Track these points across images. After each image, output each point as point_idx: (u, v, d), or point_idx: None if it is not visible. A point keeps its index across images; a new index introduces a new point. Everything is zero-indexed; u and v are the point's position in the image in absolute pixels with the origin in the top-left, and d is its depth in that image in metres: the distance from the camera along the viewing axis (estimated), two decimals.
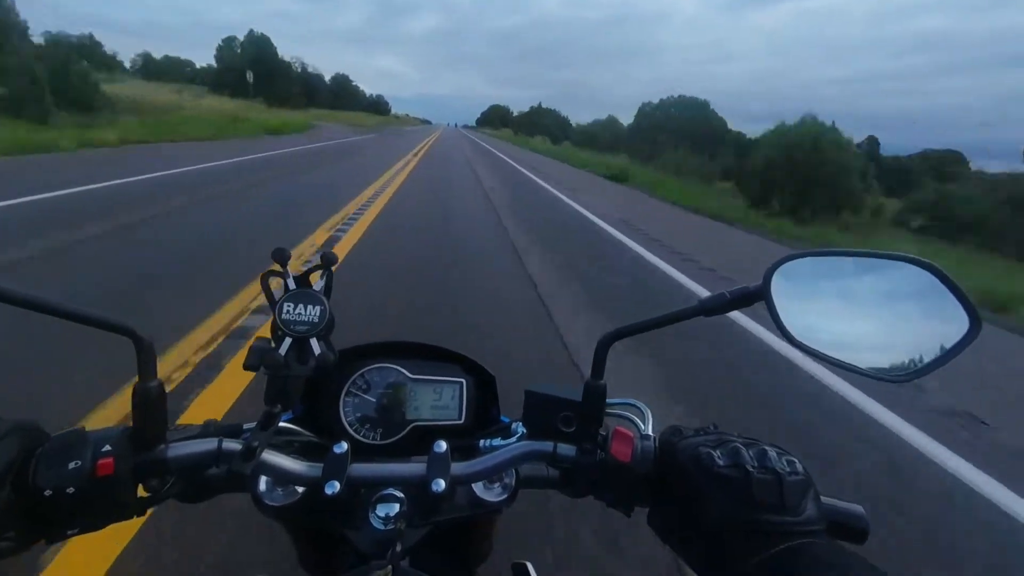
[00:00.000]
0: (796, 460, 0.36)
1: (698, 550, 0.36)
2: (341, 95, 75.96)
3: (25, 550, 0.33)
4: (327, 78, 76.58)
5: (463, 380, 0.53)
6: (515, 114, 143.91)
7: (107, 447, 0.34)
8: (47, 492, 0.32)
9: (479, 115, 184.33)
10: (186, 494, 0.41)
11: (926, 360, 0.37)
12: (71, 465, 0.33)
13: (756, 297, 0.39)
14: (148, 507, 0.38)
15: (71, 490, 0.32)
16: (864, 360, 0.38)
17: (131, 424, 0.37)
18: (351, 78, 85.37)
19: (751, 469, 0.35)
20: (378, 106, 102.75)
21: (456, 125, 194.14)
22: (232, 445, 0.38)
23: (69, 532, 0.34)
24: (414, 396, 0.52)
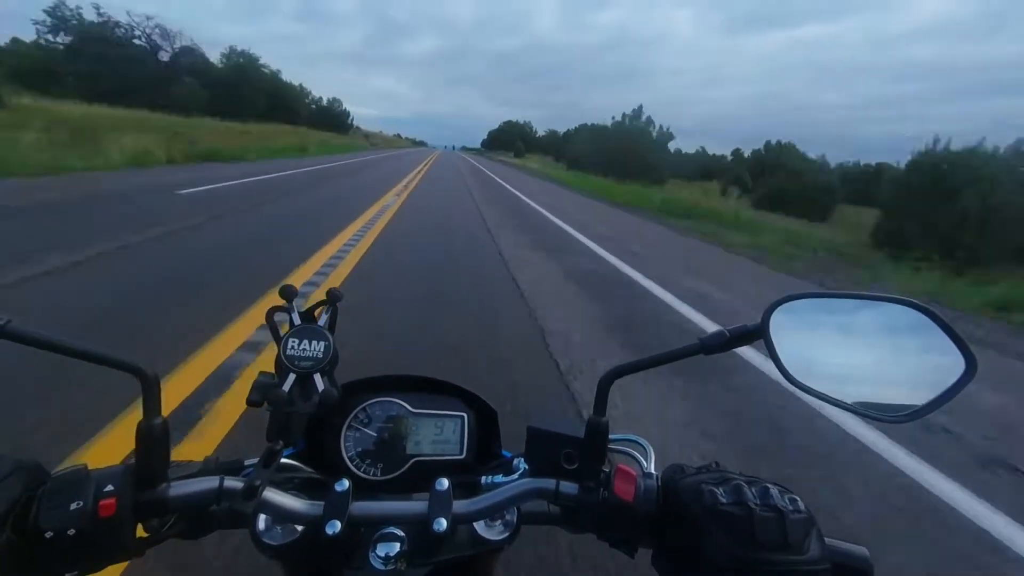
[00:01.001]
0: (798, 499, 0.37)
1: None
2: (277, 98, 47.31)
3: None
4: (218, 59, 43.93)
5: (464, 414, 0.53)
6: (538, 134, 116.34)
7: (109, 487, 0.34)
8: (48, 534, 0.32)
9: (486, 136, 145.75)
10: (185, 532, 0.41)
11: (923, 401, 0.37)
12: (73, 506, 0.33)
13: (755, 335, 0.40)
14: (147, 547, 0.37)
15: (72, 531, 0.32)
16: (862, 400, 0.39)
17: (132, 461, 0.37)
18: (290, 79, 52.24)
19: (753, 507, 0.35)
20: (331, 117, 62.16)
21: (454, 148, 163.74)
22: (234, 483, 0.38)
23: (67, 574, 0.33)
24: (415, 430, 0.52)
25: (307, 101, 57.44)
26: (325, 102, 62.79)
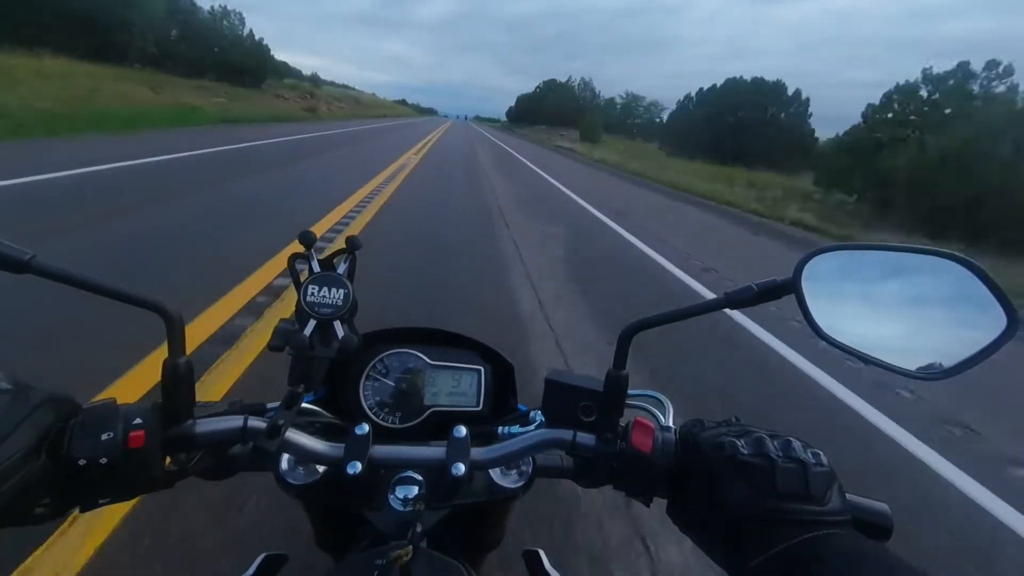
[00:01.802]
0: (821, 452, 0.36)
1: (719, 540, 0.36)
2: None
3: (60, 516, 0.34)
4: None
5: (482, 368, 0.53)
6: (599, 97, 76.65)
7: (138, 420, 0.35)
8: (81, 462, 0.33)
9: (514, 104, 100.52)
10: (210, 470, 0.42)
11: (959, 357, 0.36)
12: (104, 436, 0.33)
13: (785, 290, 0.38)
14: (175, 480, 0.39)
15: (104, 460, 0.33)
16: (895, 356, 0.37)
17: (159, 399, 0.38)
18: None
19: (776, 457, 0.35)
20: (246, 60, 27.67)
21: (466, 118, 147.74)
22: (257, 423, 0.39)
23: (101, 501, 0.35)
24: (433, 382, 0.52)
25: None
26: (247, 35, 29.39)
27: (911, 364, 0.37)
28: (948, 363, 0.36)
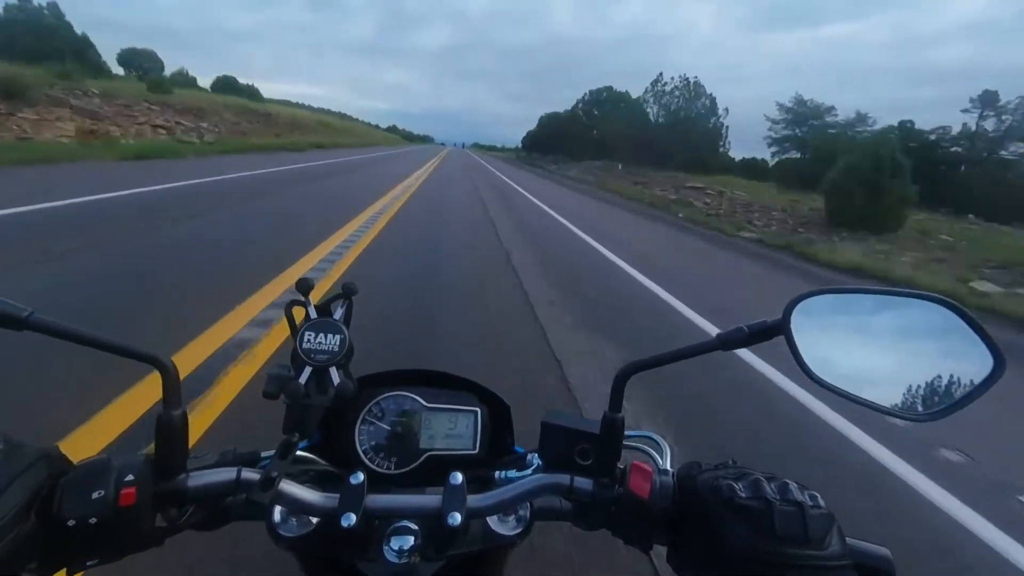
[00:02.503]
0: (818, 495, 0.36)
1: None
2: None
3: None
4: None
5: (478, 409, 0.53)
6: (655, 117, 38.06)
7: (130, 476, 0.35)
8: (70, 522, 0.32)
9: (533, 130, 67.52)
10: (202, 523, 0.41)
11: (949, 399, 0.36)
12: (95, 495, 0.33)
13: (775, 332, 0.39)
14: (165, 537, 0.38)
15: (93, 520, 0.32)
16: (885, 398, 0.38)
17: (152, 452, 0.37)
18: None
19: (773, 500, 0.35)
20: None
21: (463, 146, 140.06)
22: (251, 475, 0.39)
23: (89, 563, 0.34)
24: (429, 425, 0.52)
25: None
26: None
27: (900, 406, 0.37)
28: (937, 405, 0.37)
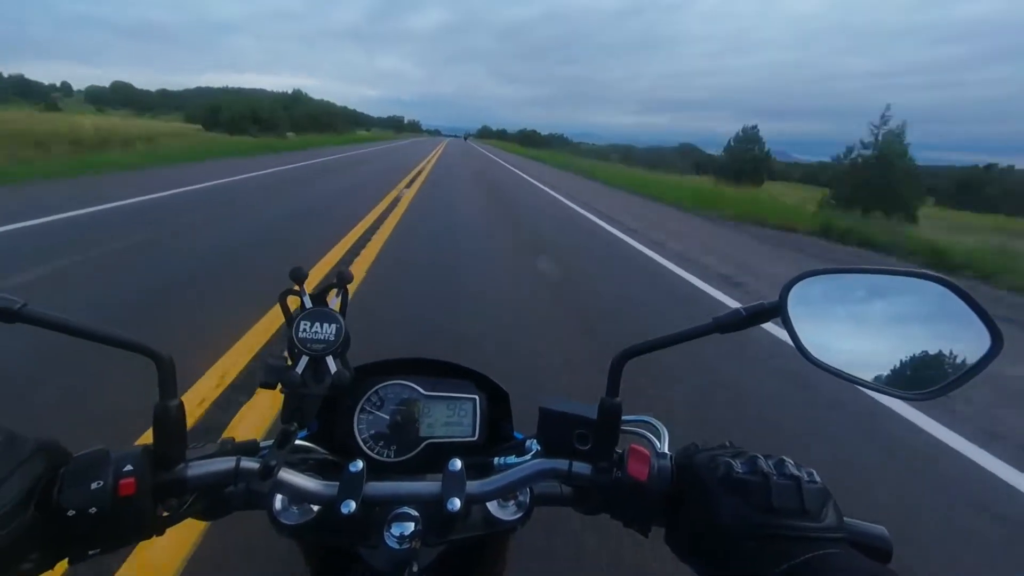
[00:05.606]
0: (814, 471, 0.37)
1: (718, 564, 0.35)
2: None
3: (48, 570, 0.33)
4: None
5: (476, 396, 0.53)
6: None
7: (128, 467, 0.35)
8: (70, 513, 0.32)
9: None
10: (203, 512, 0.41)
11: (946, 377, 0.36)
12: (94, 485, 0.33)
13: (772, 313, 0.39)
14: (167, 526, 0.38)
15: (93, 510, 0.33)
16: (882, 377, 0.38)
17: (151, 443, 0.37)
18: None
19: (769, 474, 0.35)
20: None
21: (466, 137, 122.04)
22: (250, 464, 0.39)
23: (91, 552, 0.34)
24: (428, 413, 0.52)
25: None
26: None
27: (899, 385, 0.37)
28: (936, 383, 0.36)
